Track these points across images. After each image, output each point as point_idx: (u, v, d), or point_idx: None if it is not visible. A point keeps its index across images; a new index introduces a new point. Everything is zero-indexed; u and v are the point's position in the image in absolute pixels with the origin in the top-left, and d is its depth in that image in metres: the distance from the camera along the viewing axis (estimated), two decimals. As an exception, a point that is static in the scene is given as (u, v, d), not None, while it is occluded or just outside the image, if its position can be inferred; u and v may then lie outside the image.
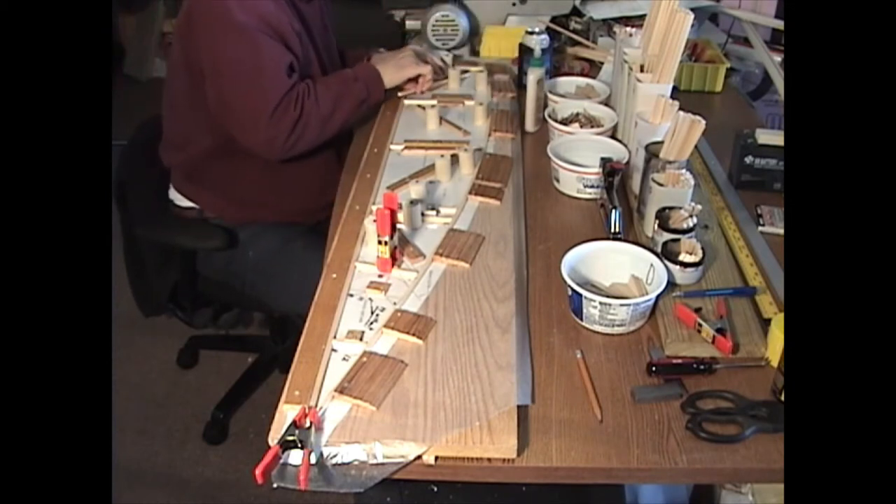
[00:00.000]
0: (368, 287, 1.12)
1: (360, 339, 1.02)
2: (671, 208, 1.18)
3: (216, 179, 1.60)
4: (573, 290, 1.04)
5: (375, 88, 1.61)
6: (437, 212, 1.29)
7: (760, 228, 1.29)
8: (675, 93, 1.33)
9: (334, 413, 0.90)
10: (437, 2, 2.02)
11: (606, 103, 1.60)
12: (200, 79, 1.44)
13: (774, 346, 0.99)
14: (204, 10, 1.40)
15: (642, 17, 1.68)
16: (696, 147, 1.23)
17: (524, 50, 1.77)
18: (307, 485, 0.83)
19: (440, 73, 1.80)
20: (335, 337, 1.02)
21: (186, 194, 1.64)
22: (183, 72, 1.49)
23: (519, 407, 0.91)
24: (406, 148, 1.52)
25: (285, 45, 1.44)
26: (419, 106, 1.69)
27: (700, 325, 1.02)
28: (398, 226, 1.16)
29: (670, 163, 1.20)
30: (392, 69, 1.66)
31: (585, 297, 1.03)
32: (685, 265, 1.11)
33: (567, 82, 1.73)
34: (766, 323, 1.05)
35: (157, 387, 2.16)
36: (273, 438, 0.87)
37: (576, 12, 2.07)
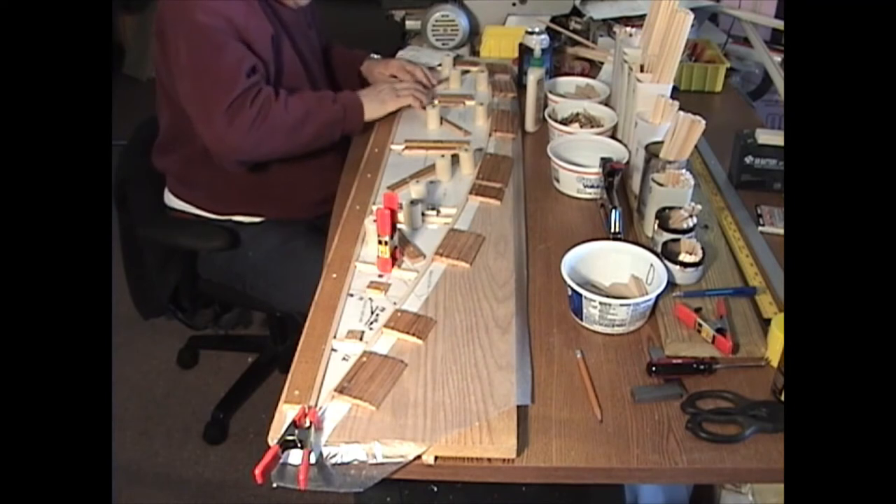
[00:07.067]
0: (368, 287, 1.12)
1: (360, 339, 1.02)
2: (671, 208, 1.18)
3: (210, 180, 1.59)
4: (573, 290, 1.04)
5: (353, 116, 1.58)
6: (438, 212, 1.29)
7: (760, 228, 1.29)
8: (675, 93, 1.33)
9: (334, 413, 0.90)
10: (437, 2, 2.02)
11: (606, 103, 1.60)
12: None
13: (774, 346, 0.99)
14: (171, 12, 1.42)
15: (642, 17, 1.68)
16: (696, 147, 1.23)
17: (524, 50, 1.78)
18: (307, 484, 0.83)
19: (429, 87, 1.78)
20: (335, 337, 1.02)
21: (181, 196, 1.64)
22: (164, 74, 1.51)
23: (519, 407, 0.91)
24: (407, 148, 1.52)
25: (251, 49, 1.44)
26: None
27: (700, 325, 1.02)
28: (398, 226, 1.16)
29: (670, 163, 1.20)
30: (375, 104, 1.63)
31: (585, 297, 1.03)
32: (685, 265, 1.11)
33: (567, 82, 1.73)
34: (766, 323, 1.05)
35: (157, 387, 2.16)
36: (273, 438, 0.87)
37: (576, 12, 2.08)
